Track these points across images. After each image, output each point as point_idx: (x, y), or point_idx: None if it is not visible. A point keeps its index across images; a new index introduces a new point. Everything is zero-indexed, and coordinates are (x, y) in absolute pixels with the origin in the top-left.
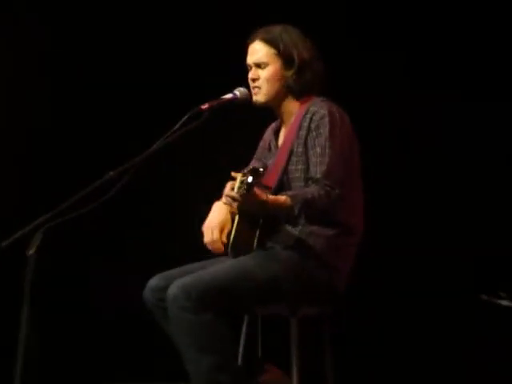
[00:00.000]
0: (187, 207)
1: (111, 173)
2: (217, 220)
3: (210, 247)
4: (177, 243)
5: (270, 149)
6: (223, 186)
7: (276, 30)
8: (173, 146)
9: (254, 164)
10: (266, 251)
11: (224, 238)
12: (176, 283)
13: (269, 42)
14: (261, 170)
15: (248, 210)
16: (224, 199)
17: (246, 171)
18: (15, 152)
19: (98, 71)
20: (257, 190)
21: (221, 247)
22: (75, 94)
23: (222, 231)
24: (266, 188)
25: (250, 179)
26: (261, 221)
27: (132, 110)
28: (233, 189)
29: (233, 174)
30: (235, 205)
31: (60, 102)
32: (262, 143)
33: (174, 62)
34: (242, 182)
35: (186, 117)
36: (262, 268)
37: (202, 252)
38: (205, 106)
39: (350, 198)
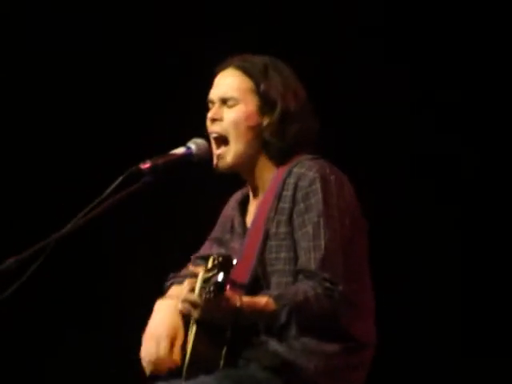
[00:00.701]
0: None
1: (11, 260)
2: (164, 327)
3: (150, 367)
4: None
5: (232, 228)
6: (171, 274)
7: (259, 60)
8: (99, 218)
9: (206, 250)
10: (237, 370)
11: (175, 355)
12: None
13: (246, 71)
14: (234, 261)
15: (213, 319)
16: (180, 305)
17: (211, 264)
18: None
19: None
20: (228, 293)
21: (167, 367)
22: None
23: (172, 344)
24: (238, 286)
25: (220, 277)
26: (228, 333)
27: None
28: (193, 289)
29: (191, 268)
30: (196, 313)
31: None
32: (221, 220)
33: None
34: (206, 281)
35: (118, 180)
36: None
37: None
38: (146, 166)
39: (356, 297)
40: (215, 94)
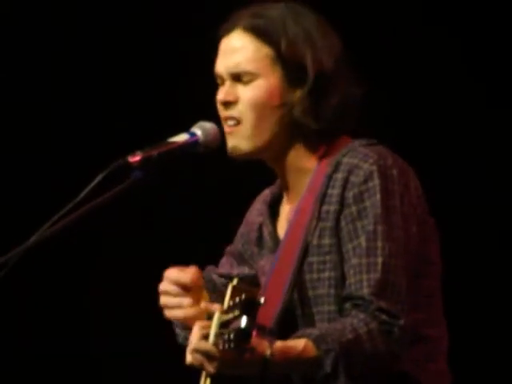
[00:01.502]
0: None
1: None
2: None
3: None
4: None
5: (259, 240)
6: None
7: (275, 12)
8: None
9: (225, 268)
10: None
11: None
12: None
13: (261, 33)
14: (261, 300)
15: (233, 374)
16: (189, 356)
17: (230, 301)
18: None
19: None
20: (255, 341)
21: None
22: None
23: None
24: (268, 332)
25: (243, 322)
26: None
27: None
28: (206, 336)
29: (203, 304)
30: (211, 367)
31: None
32: (243, 229)
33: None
34: (223, 325)
35: (97, 179)
36: None
37: None
38: (135, 158)
39: (424, 330)
40: (223, 66)
